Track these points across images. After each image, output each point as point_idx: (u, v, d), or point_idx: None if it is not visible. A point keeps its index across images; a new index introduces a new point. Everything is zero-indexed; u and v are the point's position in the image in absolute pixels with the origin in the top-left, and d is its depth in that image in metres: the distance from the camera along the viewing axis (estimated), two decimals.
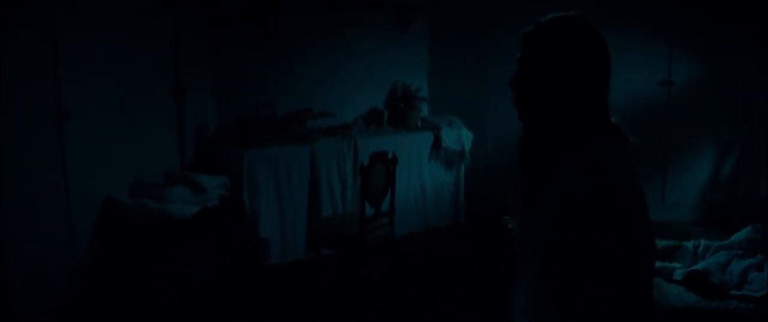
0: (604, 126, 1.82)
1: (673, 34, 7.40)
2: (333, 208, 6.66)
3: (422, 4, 7.91)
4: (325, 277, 6.07)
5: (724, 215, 7.18)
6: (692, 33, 7.32)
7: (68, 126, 4.36)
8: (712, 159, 7.63)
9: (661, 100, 7.53)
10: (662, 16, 7.35)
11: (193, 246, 5.05)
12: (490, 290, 4.95)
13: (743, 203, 7.21)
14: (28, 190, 4.00)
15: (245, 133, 6.41)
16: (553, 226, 1.76)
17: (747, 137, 7.46)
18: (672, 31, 7.38)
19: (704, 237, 5.08)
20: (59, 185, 4.36)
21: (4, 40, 3.80)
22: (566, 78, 1.78)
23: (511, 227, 1.99)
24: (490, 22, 7.61)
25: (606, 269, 1.67)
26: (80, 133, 4.48)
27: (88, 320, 4.43)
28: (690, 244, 4.83)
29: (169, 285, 4.71)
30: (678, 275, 4.34)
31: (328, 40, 7.35)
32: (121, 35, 5.09)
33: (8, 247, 3.77)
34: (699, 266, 4.41)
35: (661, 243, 4.82)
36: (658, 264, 4.48)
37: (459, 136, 7.55)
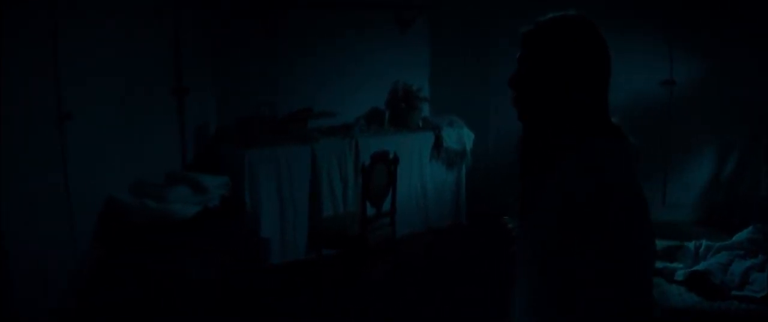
0: (604, 126, 1.81)
1: (675, 34, 7.39)
2: (334, 208, 6.66)
3: (423, 4, 7.90)
4: (326, 277, 6.06)
5: (724, 215, 7.17)
6: (694, 33, 7.31)
7: (69, 126, 4.36)
8: (713, 159, 7.62)
9: (662, 100, 7.52)
10: (664, 16, 7.34)
11: (194, 246, 5.04)
12: (491, 290, 4.95)
13: (744, 203, 7.21)
14: (28, 190, 4.00)
15: (246, 133, 6.41)
16: (553, 225, 1.75)
17: (748, 137, 7.45)
18: (674, 31, 7.38)
19: (705, 237, 5.08)
20: (60, 184, 4.36)
21: (5, 39, 3.80)
22: (566, 77, 1.77)
23: (511, 227, 1.98)
24: (491, 21, 7.61)
25: (606, 269, 1.67)
26: (81, 133, 4.48)
27: (89, 320, 4.43)
28: (691, 244, 4.83)
29: (170, 285, 4.70)
30: (679, 275, 4.34)
31: (330, 40, 7.35)
32: (122, 35, 5.08)
33: (9, 247, 3.77)
34: (700, 266, 4.41)
35: (662, 243, 4.82)
36: (659, 265, 4.48)
37: (460, 136, 7.55)
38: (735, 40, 7.11)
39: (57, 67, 4.26)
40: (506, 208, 2.03)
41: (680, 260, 4.68)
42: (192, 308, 4.74)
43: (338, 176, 6.70)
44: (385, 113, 7.46)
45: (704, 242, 4.83)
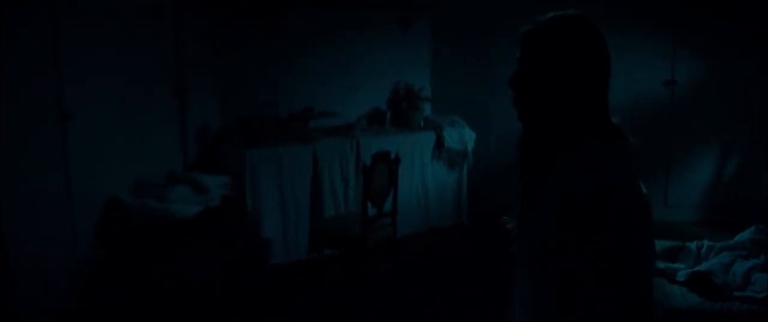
0: (605, 126, 1.81)
1: (677, 34, 7.39)
2: (335, 208, 6.66)
3: (424, 4, 7.90)
4: (328, 277, 6.06)
5: (726, 215, 7.16)
6: (696, 33, 7.31)
7: (70, 126, 4.37)
8: (715, 159, 7.62)
9: (664, 100, 7.52)
10: (666, 15, 7.34)
11: (196, 246, 5.05)
12: (492, 290, 4.94)
13: (746, 203, 7.20)
14: (29, 189, 4.00)
15: (248, 133, 6.40)
16: (553, 225, 1.75)
17: (749, 138, 7.45)
18: (676, 31, 7.38)
19: (707, 238, 5.07)
20: (61, 184, 4.36)
21: (7, 39, 3.80)
22: (566, 77, 1.76)
23: (510, 228, 1.98)
24: (493, 21, 7.61)
25: (606, 269, 1.67)
26: (82, 133, 4.48)
27: (89, 320, 4.43)
28: (693, 245, 4.83)
29: (171, 285, 4.71)
30: (681, 275, 4.34)
31: (331, 40, 7.34)
32: (123, 35, 5.09)
33: (9, 247, 3.77)
34: (702, 266, 4.40)
35: (664, 244, 4.82)
36: (661, 265, 4.48)
37: (462, 136, 7.54)
38: (737, 40, 7.11)
39: (58, 67, 4.27)
40: (507, 208, 2.02)
41: (682, 260, 4.67)
42: (193, 308, 4.74)
43: (339, 175, 6.70)
44: (387, 113, 7.46)
45: (706, 243, 4.83)
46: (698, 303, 4.08)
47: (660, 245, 4.76)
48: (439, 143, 7.40)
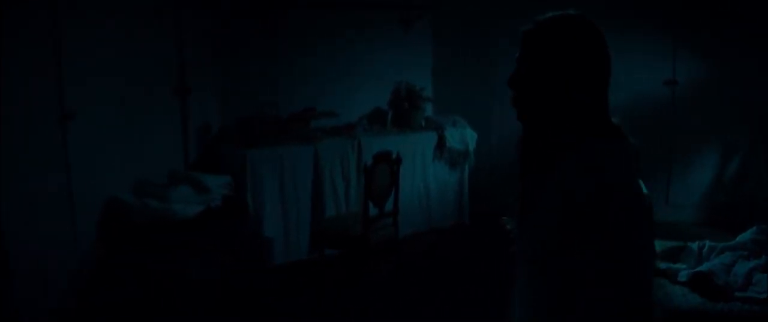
0: (605, 126, 1.80)
1: (678, 34, 7.38)
2: (336, 208, 6.65)
3: (426, 4, 7.89)
4: (329, 277, 6.05)
5: (727, 215, 7.14)
6: (697, 33, 7.30)
7: (71, 125, 4.37)
8: (716, 159, 7.60)
9: (665, 100, 7.51)
10: (667, 15, 7.32)
11: (197, 246, 5.05)
12: (493, 290, 4.93)
13: (747, 203, 7.19)
14: (30, 189, 4.00)
15: (249, 133, 6.40)
16: (553, 225, 1.75)
17: (751, 138, 7.43)
18: (677, 30, 7.36)
19: (708, 238, 5.06)
20: (62, 184, 4.37)
21: (7, 39, 3.80)
22: (566, 77, 1.76)
23: (510, 228, 1.97)
24: (494, 21, 7.60)
25: (606, 269, 1.66)
26: (83, 133, 4.48)
27: (90, 320, 4.43)
28: (695, 245, 4.82)
29: (173, 285, 4.71)
30: (683, 276, 4.33)
31: (332, 40, 7.34)
32: (124, 35, 5.09)
33: (10, 247, 3.77)
34: (703, 267, 4.39)
35: (665, 244, 4.81)
36: (662, 265, 4.48)
37: (463, 136, 7.54)
38: (738, 40, 7.10)
39: (59, 67, 4.27)
40: (508, 208, 2.02)
41: (683, 260, 4.66)
42: (193, 309, 4.74)
43: (341, 175, 6.69)
44: (388, 113, 7.46)
45: (707, 243, 4.82)
46: (699, 304, 4.07)
47: (661, 245, 4.75)
48: (441, 143, 7.39)
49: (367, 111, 7.51)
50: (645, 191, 1.76)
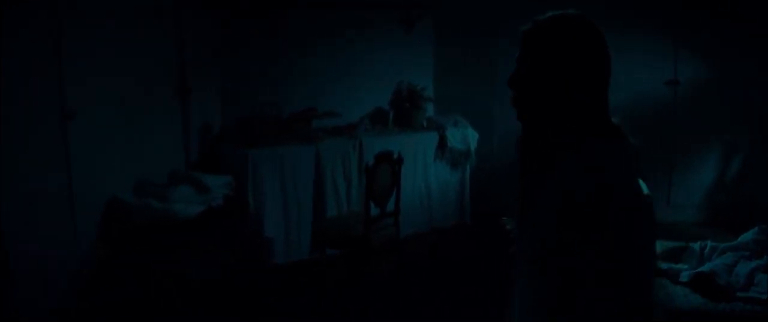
0: (605, 126, 1.80)
1: (680, 34, 7.37)
2: (338, 208, 6.65)
3: (427, 4, 7.89)
4: (330, 277, 6.05)
5: (729, 215, 7.13)
6: (698, 33, 7.29)
7: (72, 125, 4.36)
8: (718, 160, 7.59)
9: (667, 100, 7.50)
10: (668, 15, 7.31)
11: (198, 246, 5.05)
12: (495, 290, 4.92)
13: (749, 203, 7.17)
14: (31, 189, 4.00)
15: (250, 133, 6.40)
16: (553, 224, 1.74)
17: (752, 138, 7.42)
18: (678, 30, 7.35)
19: (710, 238, 5.05)
20: (63, 184, 4.37)
21: (8, 39, 3.80)
22: (566, 77, 1.76)
23: (510, 228, 1.97)
24: (495, 21, 7.59)
25: (606, 268, 1.66)
26: (84, 133, 4.48)
27: (91, 320, 4.42)
28: (696, 245, 4.80)
29: (174, 285, 4.71)
30: (684, 276, 4.32)
31: (333, 40, 7.34)
32: (125, 35, 5.09)
33: (11, 247, 3.77)
34: (705, 267, 4.38)
35: (667, 244, 4.80)
36: (664, 266, 4.47)
37: (464, 136, 7.53)
38: (739, 40, 7.09)
39: (60, 67, 4.27)
40: (509, 208, 2.01)
41: (685, 261, 4.65)
42: (195, 309, 4.74)
43: (342, 175, 6.68)
44: (390, 113, 7.46)
45: (709, 243, 4.80)
46: (701, 304, 4.06)
47: (663, 245, 4.74)
48: (442, 143, 7.39)
49: (369, 111, 7.50)
50: (646, 191, 1.76)
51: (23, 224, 3.88)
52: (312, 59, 7.19)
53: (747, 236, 4.82)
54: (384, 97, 7.47)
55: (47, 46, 4.19)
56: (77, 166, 4.44)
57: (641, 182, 1.78)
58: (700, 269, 4.34)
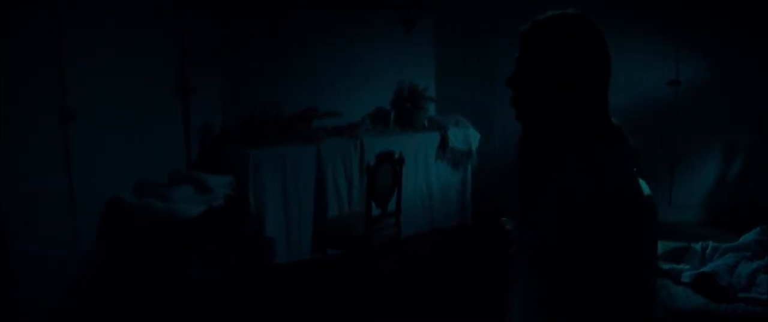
0: (605, 126, 1.80)
1: (681, 34, 7.36)
2: (339, 208, 6.64)
3: (428, 4, 7.88)
4: (331, 277, 6.05)
5: (731, 216, 7.13)
6: (700, 33, 7.28)
7: (73, 126, 4.36)
8: (719, 160, 7.58)
9: (668, 100, 7.49)
10: (669, 15, 7.31)
11: (199, 246, 5.04)
12: (496, 290, 4.92)
13: (750, 204, 7.16)
14: (32, 189, 4.00)
15: (251, 133, 6.39)
16: (553, 224, 1.74)
17: (754, 138, 7.41)
18: (680, 30, 7.34)
19: (711, 238, 5.04)
20: (63, 184, 4.36)
21: (8, 39, 3.80)
22: (566, 76, 1.75)
23: (509, 229, 1.97)
24: (497, 21, 7.58)
25: (605, 269, 1.66)
26: (85, 133, 4.48)
27: (92, 320, 4.42)
28: (698, 246, 4.80)
29: (174, 285, 4.70)
30: (686, 277, 4.31)
31: (335, 40, 7.33)
32: (126, 35, 5.09)
33: (11, 247, 3.77)
34: (707, 268, 4.37)
35: (669, 245, 4.79)
36: (666, 266, 4.46)
37: (466, 136, 7.52)
38: (741, 40, 7.08)
39: (60, 67, 4.27)
40: (509, 208, 2.01)
41: (687, 261, 4.64)
42: (196, 309, 4.74)
43: (343, 175, 6.68)
44: (391, 113, 7.45)
45: (711, 244, 4.80)
46: (703, 304, 4.05)
47: (665, 246, 4.74)
48: (444, 143, 7.38)
49: (370, 111, 7.50)
50: (648, 191, 1.76)
51: (23, 224, 3.88)
52: (313, 59, 7.19)
53: (748, 237, 4.81)
54: (385, 97, 7.47)
55: (48, 46, 4.19)
56: (78, 166, 4.44)
57: (643, 183, 1.78)
58: (701, 270, 4.33)
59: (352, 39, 7.43)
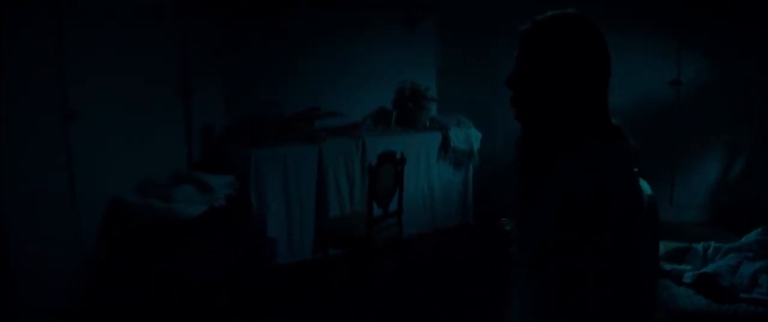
0: (605, 126, 1.79)
1: (683, 34, 7.35)
2: (340, 208, 6.64)
3: (431, 4, 7.87)
4: (333, 277, 6.05)
5: (732, 216, 7.12)
6: (702, 33, 7.27)
7: (74, 125, 4.36)
8: (721, 160, 7.58)
9: (670, 100, 7.49)
10: (671, 15, 7.30)
11: (200, 246, 5.04)
12: (498, 290, 4.91)
13: (752, 204, 7.16)
14: (33, 189, 4.00)
15: (253, 133, 6.39)
16: (553, 223, 1.74)
17: (755, 138, 7.40)
18: (681, 31, 7.34)
19: (713, 238, 5.04)
20: (65, 184, 4.36)
21: (9, 39, 3.80)
22: (565, 76, 1.75)
23: (509, 229, 1.97)
24: (499, 21, 7.57)
25: (605, 269, 1.66)
26: (86, 133, 4.48)
27: (92, 320, 4.42)
28: (700, 246, 4.79)
29: (175, 285, 4.70)
30: (687, 277, 4.30)
31: (337, 40, 7.33)
32: (128, 35, 5.08)
33: (12, 247, 3.77)
34: (709, 268, 4.37)
35: (671, 245, 4.79)
36: (667, 267, 4.46)
37: (468, 136, 7.52)
38: (742, 40, 7.07)
39: (61, 67, 4.26)
40: (509, 209, 2.01)
41: (688, 262, 4.64)
42: (197, 309, 4.73)
43: (345, 175, 6.68)
44: (392, 113, 7.45)
45: (712, 244, 4.79)
46: (705, 305, 4.05)
47: (666, 246, 4.73)
48: (445, 143, 7.38)
49: (371, 111, 7.50)
50: (649, 191, 1.75)
51: (24, 224, 3.88)
52: (314, 59, 7.18)
53: (750, 237, 4.80)
54: (386, 97, 7.46)
55: (48, 46, 4.18)
56: (79, 166, 4.44)
57: (644, 183, 1.78)
58: (703, 270, 4.33)
59: (353, 39, 7.43)
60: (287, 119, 6.68)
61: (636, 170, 1.78)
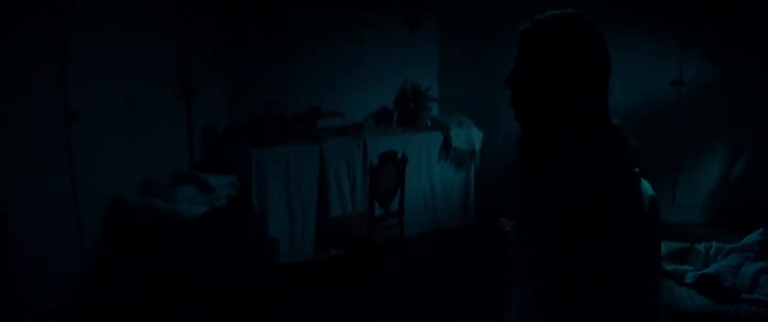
0: (605, 126, 1.79)
1: (684, 34, 7.35)
2: (342, 208, 6.64)
3: (432, 4, 7.87)
4: (334, 277, 6.05)
5: (734, 216, 7.11)
6: (703, 33, 7.27)
7: (75, 126, 4.36)
8: (723, 160, 7.58)
9: (671, 100, 7.48)
10: (673, 15, 7.29)
11: (201, 246, 5.03)
12: (499, 290, 4.91)
13: (753, 204, 7.15)
14: (34, 189, 3.99)
15: (254, 133, 6.39)
16: (553, 223, 1.74)
17: (757, 138, 7.40)
18: (683, 31, 7.33)
19: (715, 239, 5.03)
20: (66, 184, 4.36)
21: (10, 39, 3.79)
22: (565, 76, 1.75)
23: (508, 229, 1.97)
24: (500, 21, 7.56)
25: (606, 269, 1.67)
26: (88, 133, 4.48)
27: (93, 320, 4.42)
28: (701, 247, 4.79)
29: (177, 286, 4.69)
30: (689, 278, 4.30)
31: (339, 40, 7.33)
32: (129, 35, 5.08)
33: (12, 247, 3.76)
34: (710, 269, 4.36)
35: (672, 245, 4.78)
36: (669, 267, 4.45)
37: (469, 136, 7.52)
38: (744, 40, 7.07)
39: (63, 67, 4.26)
40: (509, 209, 2.01)
41: (690, 262, 4.63)
42: (198, 309, 4.73)
43: (346, 175, 6.68)
44: (394, 113, 7.44)
45: (714, 244, 4.79)
46: (706, 306, 4.04)
47: (668, 246, 4.72)
48: (447, 143, 7.37)
49: (373, 111, 7.50)
50: (651, 191, 1.75)
51: (24, 223, 3.87)
52: (315, 59, 7.19)
53: (752, 237, 4.80)
54: (388, 97, 7.46)
55: (49, 46, 4.18)
56: (80, 166, 4.44)
57: (646, 184, 1.77)
58: (705, 271, 4.32)
59: (354, 39, 7.43)
60: (288, 119, 6.68)
61: (637, 170, 1.78)
